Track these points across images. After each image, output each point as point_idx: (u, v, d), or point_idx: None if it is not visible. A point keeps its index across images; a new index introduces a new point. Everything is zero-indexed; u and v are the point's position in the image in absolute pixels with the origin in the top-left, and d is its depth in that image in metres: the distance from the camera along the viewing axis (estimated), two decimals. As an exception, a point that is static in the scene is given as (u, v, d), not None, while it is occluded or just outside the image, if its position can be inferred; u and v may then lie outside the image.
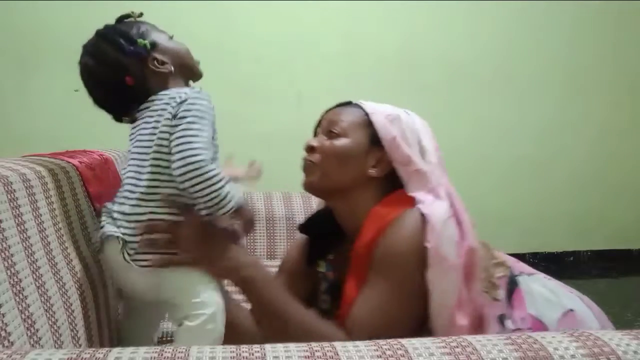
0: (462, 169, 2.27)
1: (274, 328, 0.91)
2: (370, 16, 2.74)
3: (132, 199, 0.88)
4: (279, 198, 1.90)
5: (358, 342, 0.51)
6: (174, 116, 0.85)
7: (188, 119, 0.83)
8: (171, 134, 0.84)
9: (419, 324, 0.90)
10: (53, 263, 0.80)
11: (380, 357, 0.48)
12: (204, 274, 0.88)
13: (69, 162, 1.02)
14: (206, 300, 0.84)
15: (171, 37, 1.00)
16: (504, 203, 2.99)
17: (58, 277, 0.80)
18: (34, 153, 1.08)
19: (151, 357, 0.47)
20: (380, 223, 0.92)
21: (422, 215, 0.89)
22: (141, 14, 0.98)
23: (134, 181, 0.90)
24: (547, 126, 3.02)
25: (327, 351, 0.49)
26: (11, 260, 0.67)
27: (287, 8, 2.68)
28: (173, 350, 0.49)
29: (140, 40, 0.91)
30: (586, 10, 2.94)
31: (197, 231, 0.87)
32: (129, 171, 0.92)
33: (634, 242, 3.21)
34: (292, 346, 0.50)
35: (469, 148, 2.86)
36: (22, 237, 0.72)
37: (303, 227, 1.12)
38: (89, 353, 0.48)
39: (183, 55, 0.98)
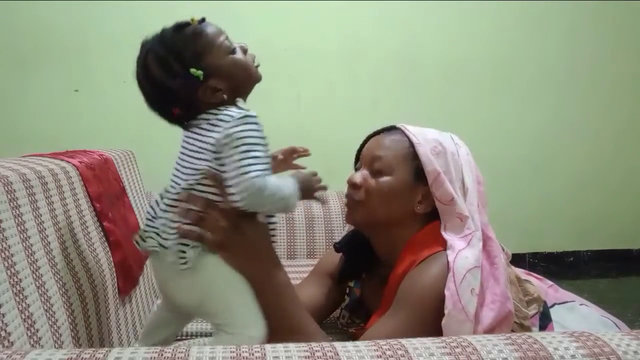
0: (462, 169, 2.27)
1: (278, 332, 0.88)
2: (370, 16, 2.74)
3: (168, 205, 0.86)
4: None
5: (358, 342, 0.51)
6: (224, 144, 0.80)
7: (240, 149, 0.79)
8: (221, 161, 0.81)
9: None
10: (53, 263, 0.80)
11: (380, 357, 0.48)
12: (247, 292, 0.85)
13: (69, 162, 1.02)
14: (247, 322, 0.83)
15: (234, 50, 0.88)
16: (504, 203, 2.99)
17: (58, 277, 0.80)
18: (34, 153, 1.08)
19: (151, 357, 0.47)
20: (414, 257, 0.93)
21: (448, 262, 0.89)
22: (203, 20, 0.88)
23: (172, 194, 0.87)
24: (547, 126, 3.02)
25: (327, 351, 0.49)
26: (11, 260, 0.67)
27: (287, 8, 2.68)
28: (173, 350, 0.49)
29: (193, 70, 0.82)
30: (586, 10, 2.94)
31: (231, 218, 0.84)
32: (171, 185, 0.89)
33: (634, 242, 3.21)
34: (292, 346, 0.50)
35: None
36: (22, 237, 0.72)
37: (339, 245, 1.10)
38: (89, 353, 0.48)
39: (243, 76, 0.88)
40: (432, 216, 0.97)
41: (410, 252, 0.95)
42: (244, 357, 0.48)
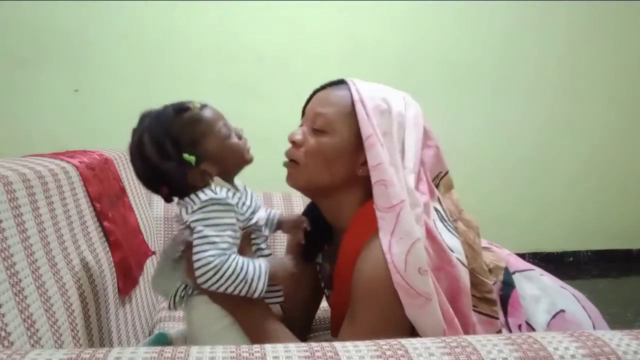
0: (462, 170, 2.27)
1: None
2: (370, 16, 2.74)
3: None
4: (279, 198, 1.90)
5: (358, 342, 0.51)
6: (187, 226, 0.84)
7: (197, 234, 0.82)
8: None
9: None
10: (53, 263, 0.80)
11: (380, 357, 0.48)
12: (231, 334, 0.86)
13: (69, 162, 1.02)
14: None
15: (230, 135, 0.89)
16: (504, 203, 2.99)
17: (58, 277, 0.80)
18: (34, 153, 1.07)
19: (151, 357, 0.47)
20: (355, 241, 0.88)
21: (384, 252, 0.83)
22: (202, 107, 0.88)
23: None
24: (547, 127, 3.02)
25: (327, 351, 0.49)
26: (11, 260, 0.67)
27: (287, 8, 2.68)
28: (173, 350, 0.49)
29: (186, 156, 0.83)
30: (587, 10, 2.94)
31: None
32: None
33: (634, 242, 3.21)
34: (292, 346, 0.50)
35: (468, 149, 2.86)
36: (22, 237, 0.72)
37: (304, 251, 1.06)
38: (89, 353, 0.48)
39: (235, 161, 0.90)
40: None
41: (354, 232, 0.90)
42: (244, 357, 0.48)
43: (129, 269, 1.17)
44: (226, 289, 0.81)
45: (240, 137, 0.91)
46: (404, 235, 0.83)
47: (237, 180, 0.93)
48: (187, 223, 0.83)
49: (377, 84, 0.97)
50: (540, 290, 0.98)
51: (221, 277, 0.80)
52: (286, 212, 1.86)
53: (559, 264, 3.08)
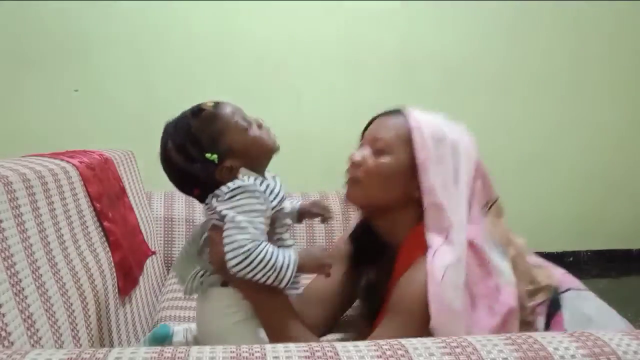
0: (462, 169, 2.27)
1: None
2: (370, 16, 2.74)
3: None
4: (279, 198, 1.90)
5: (358, 342, 0.51)
6: (219, 214, 0.85)
7: (228, 224, 0.83)
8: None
9: None
10: (53, 263, 0.80)
11: (380, 357, 0.48)
12: (244, 329, 0.88)
13: (69, 162, 1.02)
14: None
15: (249, 127, 0.90)
16: (504, 203, 2.99)
17: (58, 277, 0.80)
18: (34, 153, 1.07)
19: (151, 358, 0.47)
20: (407, 260, 0.93)
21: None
22: (217, 104, 0.89)
23: None
24: (546, 127, 3.02)
25: (327, 351, 0.49)
26: (11, 260, 0.67)
27: (287, 8, 2.68)
28: (173, 350, 0.49)
29: (208, 155, 0.85)
30: (588, 9, 2.94)
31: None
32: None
33: (634, 242, 3.21)
34: (292, 346, 0.50)
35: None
36: (22, 237, 0.72)
37: (351, 237, 1.12)
38: (89, 353, 0.48)
39: (258, 151, 0.90)
40: None
41: (406, 254, 0.95)
42: (244, 357, 0.48)
43: (129, 269, 1.17)
44: (255, 275, 0.81)
45: (260, 127, 0.91)
46: (449, 253, 0.88)
47: (267, 171, 0.94)
48: (219, 211, 0.84)
49: (434, 114, 1.04)
50: (594, 311, 1.02)
51: (252, 262, 0.80)
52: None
53: (559, 264, 3.06)
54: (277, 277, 0.82)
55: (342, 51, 2.74)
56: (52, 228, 0.83)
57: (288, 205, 0.96)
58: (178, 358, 0.47)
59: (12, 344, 0.62)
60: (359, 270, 1.10)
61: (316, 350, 0.49)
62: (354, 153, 1.01)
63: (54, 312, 0.75)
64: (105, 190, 1.16)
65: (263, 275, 0.81)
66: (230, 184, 0.85)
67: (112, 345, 1.01)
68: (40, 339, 0.69)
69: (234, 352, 0.49)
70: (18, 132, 2.50)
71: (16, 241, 0.70)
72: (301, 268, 0.85)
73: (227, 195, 0.84)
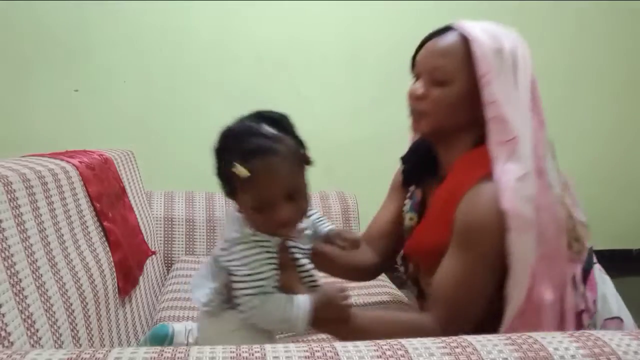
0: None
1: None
2: (370, 16, 2.74)
3: None
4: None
5: (358, 343, 0.51)
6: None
7: (231, 270, 0.80)
8: None
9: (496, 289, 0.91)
10: (53, 263, 0.80)
11: (380, 357, 0.48)
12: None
13: (69, 162, 1.02)
14: None
15: (276, 200, 0.79)
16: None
17: (58, 277, 0.80)
18: (34, 153, 1.07)
19: (151, 358, 0.47)
20: (463, 177, 0.93)
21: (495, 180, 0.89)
22: (276, 143, 0.80)
23: None
24: (548, 127, 3.02)
25: (327, 351, 0.49)
26: (11, 260, 0.67)
27: (287, 8, 2.68)
28: (173, 350, 0.49)
29: (235, 170, 0.76)
30: (591, 8, 2.94)
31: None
32: None
33: (634, 242, 3.21)
34: (292, 346, 0.50)
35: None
36: (22, 237, 0.72)
37: (404, 158, 1.14)
38: (89, 353, 0.48)
39: (257, 226, 0.82)
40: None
41: (461, 172, 0.96)
42: (244, 358, 0.48)
43: (129, 269, 1.17)
44: (267, 325, 0.81)
45: (287, 206, 0.79)
46: (517, 164, 0.89)
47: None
48: (223, 261, 0.81)
49: (485, 23, 1.01)
50: (609, 293, 1.03)
51: (262, 315, 0.78)
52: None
53: (559, 264, 3.08)
54: (289, 327, 0.81)
55: (342, 51, 2.74)
56: (52, 228, 0.83)
57: (306, 235, 0.91)
58: (178, 358, 0.47)
59: (12, 344, 0.62)
60: (412, 184, 1.14)
61: (316, 351, 0.49)
62: (413, 87, 1.00)
63: (54, 312, 0.75)
64: (105, 190, 1.16)
65: (275, 326, 0.82)
66: (227, 234, 0.81)
67: (112, 345, 1.01)
68: (40, 339, 0.69)
69: (233, 352, 0.49)
70: (18, 132, 2.50)
71: (16, 241, 0.70)
72: (316, 316, 0.79)
73: (226, 245, 0.81)
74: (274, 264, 0.81)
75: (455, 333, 0.89)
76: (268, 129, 0.82)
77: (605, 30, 3.00)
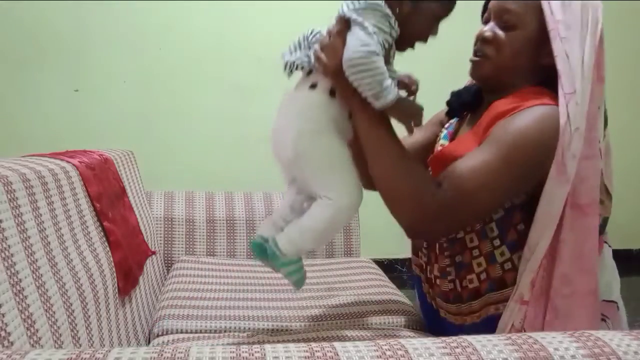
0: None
1: (374, 158, 0.93)
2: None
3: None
4: (279, 198, 1.90)
5: (358, 343, 0.51)
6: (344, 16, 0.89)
7: (359, 21, 0.86)
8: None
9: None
10: (53, 263, 0.80)
11: (380, 357, 0.48)
12: (343, 164, 0.91)
13: (69, 162, 1.02)
14: (341, 193, 0.90)
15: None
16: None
17: (58, 277, 0.80)
18: (34, 153, 1.08)
19: (151, 357, 0.47)
20: (520, 102, 0.94)
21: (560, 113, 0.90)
22: None
23: None
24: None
25: (327, 351, 0.49)
26: (11, 260, 0.67)
27: (288, 8, 2.68)
28: (173, 350, 0.49)
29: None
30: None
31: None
32: None
33: (634, 242, 3.21)
34: (291, 346, 0.50)
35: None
36: (22, 237, 0.72)
37: (454, 92, 1.17)
38: (88, 353, 0.48)
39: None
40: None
41: (518, 96, 0.96)
42: (243, 357, 0.48)
43: (129, 269, 1.17)
44: (363, 78, 0.84)
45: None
46: (577, 113, 0.90)
47: None
48: (345, 14, 0.87)
49: None
50: (608, 263, 1.10)
51: (369, 63, 0.83)
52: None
53: (559, 264, 3.08)
54: (378, 93, 0.84)
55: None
56: (52, 228, 0.83)
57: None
58: (178, 358, 0.47)
59: (12, 344, 0.62)
60: (454, 117, 1.17)
61: (316, 351, 0.49)
62: (482, 29, 1.02)
63: (54, 312, 0.75)
64: (105, 190, 1.16)
65: (368, 84, 0.84)
66: None
67: (112, 345, 1.01)
68: (40, 339, 0.69)
69: (233, 352, 0.49)
70: (18, 132, 2.50)
71: (16, 241, 0.70)
72: (397, 105, 0.87)
73: (362, 6, 0.87)
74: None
75: (450, 221, 0.93)
76: None
77: (611, 31, 3.00)
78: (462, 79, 1.26)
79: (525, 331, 0.98)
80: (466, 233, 0.99)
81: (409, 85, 1.04)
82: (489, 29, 1.00)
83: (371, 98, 0.85)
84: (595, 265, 0.95)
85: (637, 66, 3.08)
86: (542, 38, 0.96)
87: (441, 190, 0.89)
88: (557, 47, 0.93)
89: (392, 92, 0.85)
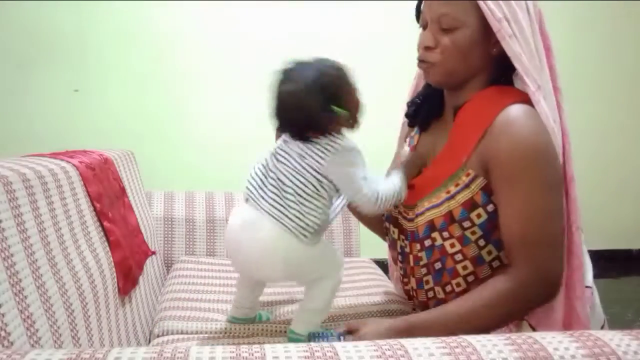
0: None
1: (463, 332, 0.92)
2: (371, 16, 2.74)
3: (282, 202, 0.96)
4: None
5: (358, 343, 0.51)
6: (331, 162, 0.94)
7: (346, 168, 0.95)
8: (328, 177, 0.94)
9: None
10: (53, 263, 0.80)
11: (380, 357, 0.48)
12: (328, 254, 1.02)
13: (69, 162, 1.02)
14: (331, 272, 1.01)
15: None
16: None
17: (58, 277, 0.80)
18: (34, 153, 1.07)
19: (151, 357, 0.47)
20: (485, 113, 0.94)
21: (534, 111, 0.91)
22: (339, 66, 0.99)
23: (277, 191, 0.96)
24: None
25: (327, 351, 0.49)
26: (11, 260, 0.67)
27: (288, 9, 2.68)
28: (173, 350, 0.49)
29: (336, 109, 0.93)
30: (588, 9, 2.94)
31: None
32: (273, 179, 0.97)
33: (634, 242, 3.21)
34: (291, 346, 0.50)
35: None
36: (22, 237, 0.72)
37: (409, 102, 1.17)
38: (88, 353, 0.48)
39: (359, 113, 0.99)
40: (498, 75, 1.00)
41: (478, 104, 0.97)
42: (243, 357, 0.48)
43: (129, 269, 1.17)
44: (386, 206, 0.97)
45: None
46: (550, 117, 0.93)
47: None
48: (326, 171, 0.94)
49: None
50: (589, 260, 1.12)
51: (384, 200, 0.96)
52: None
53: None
54: (398, 200, 0.99)
55: (343, 51, 2.74)
56: (52, 228, 0.83)
57: None
58: (178, 358, 0.47)
59: (12, 344, 0.62)
60: (416, 126, 1.16)
61: (316, 351, 0.49)
62: (422, 37, 1.00)
63: (54, 312, 0.75)
64: (105, 190, 1.16)
65: (391, 205, 0.98)
66: (341, 142, 0.95)
67: (112, 345, 1.01)
68: (39, 339, 0.69)
69: (233, 352, 0.49)
70: (18, 132, 2.50)
71: (16, 241, 0.70)
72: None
73: (343, 152, 0.94)
74: None
75: (548, 283, 0.92)
76: None
77: (609, 31, 3.00)
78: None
79: (527, 322, 1.00)
80: (444, 239, 0.98)
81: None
82: (429, 35, 0.98)
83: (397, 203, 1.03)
84: (581, 254, 0.99)
85: (638, 66, 3.07)
86: (485, 31, 0.94)
87: (515, 273, 0.89)
88: (509, 48, 0.92)
89: (402, 189, 1.00)
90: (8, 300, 0.64)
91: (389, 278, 1.55)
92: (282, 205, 0.93)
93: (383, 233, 1.22)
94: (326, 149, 0.94)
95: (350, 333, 0.96)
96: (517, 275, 0.89)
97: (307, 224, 0.93)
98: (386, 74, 2.76)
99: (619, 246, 3.17)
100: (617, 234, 3.17)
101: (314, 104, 0.93)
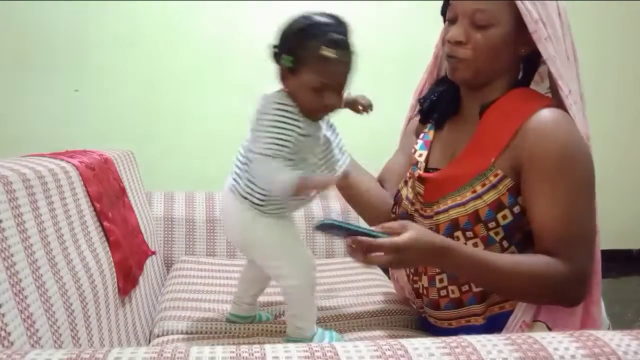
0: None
1: (489, 283, 0.94)
2: (371, 16, 2.74)
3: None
4: (279, 198, 1.90)
5: (358, 343, 0.51)
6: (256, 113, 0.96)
7: (260, 114, 0.95)
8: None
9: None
10: (53, 263, 0.80)
11: (380, 357, 0.48)
12: (287, 248, 1.02)
13: (69, 162, 1.02)
14: (286, 274, 1.00)
15: (322, 87, 0.93)
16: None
17: (58, 277, 0.80)
18: (34, 153, 1.07)
19: (151, 357, 0.47)
20: (516, 115, 0.94)
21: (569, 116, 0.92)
22: (342, 44, 0.94)
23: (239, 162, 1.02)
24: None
25: (327, 351, 0.49)
26: (11, 260, 0.67)
27: (288, 8, 2.68)
28: (173, 350, 0.49)
29: (285, 57, 0.93)
30: (590, 10, 2.94)
31: (389, 248, 0.88)
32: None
33: (634, 242, 3.21)
34: (291, 346, 0.50)
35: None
36: (22, 237, 0.72)
37: (422, 98, 1.18)
38: (88, 353, 0.48)
39: (301, 104, 0.95)
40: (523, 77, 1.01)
41: (507, 107, 0.97)
42: (243, 357, 0.48)
43: (129, 269, 1.17)
44: (272, 179, 0.90)
45: (337, 94, 0.94)
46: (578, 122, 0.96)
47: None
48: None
49: None
50: None
51: (275, 170, 0.90)
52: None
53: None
54: (282, 188, 0.89)
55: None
56: (52, 228, 0.83)
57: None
58: (178, 358, 0.47)
59: (12, 344, 0.62)
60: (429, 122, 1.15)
61: (316, 351, 0.49)
62: (453, 32, 0.98)
63: (54, 312, 0.75)
64: (105, 190, 1.16)
65: (266, 184, 0.93)
66: (269, 94, 0.95)
67: (112, 345, 1.01)
68: (39, 339, 0.69)
69: (233, 352, 0.49)
70: (18, 132, 2.50)
71: (16, 241, 0.70)
72: (302, 186, 0.90)
73: (263, 102, 0.94)
74: (292, 142, 0.91)
75: (583, 283, 0.93)
76: (346, 29, 0.97)
77: (611, 32, 3.00)
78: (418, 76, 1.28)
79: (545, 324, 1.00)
80: (467, 239, 0.97)
81: (364, 105, 1.08)
82: (460, 30, 0.96)
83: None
84: (599, 258, 0.98)
85: (636, 69, 3.07)
86: (517, 30, 0.94)
87: (560, 264, 0.90)
88: (544, 50, 0.92)
89: (288, 181, 0.88)
90: (8, 300, 0.64)
91: (389, 278, 1.56)
92: (237, 175, 1.01)
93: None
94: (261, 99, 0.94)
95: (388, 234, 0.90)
96: (565, 269, 0.90)
97: (253, 189, 0.96)
98: (386, 74, 2.76)
99: (619, 246, 3.17)
100: (617, 234, 3.16)
101: (274, 52, 0.96)
